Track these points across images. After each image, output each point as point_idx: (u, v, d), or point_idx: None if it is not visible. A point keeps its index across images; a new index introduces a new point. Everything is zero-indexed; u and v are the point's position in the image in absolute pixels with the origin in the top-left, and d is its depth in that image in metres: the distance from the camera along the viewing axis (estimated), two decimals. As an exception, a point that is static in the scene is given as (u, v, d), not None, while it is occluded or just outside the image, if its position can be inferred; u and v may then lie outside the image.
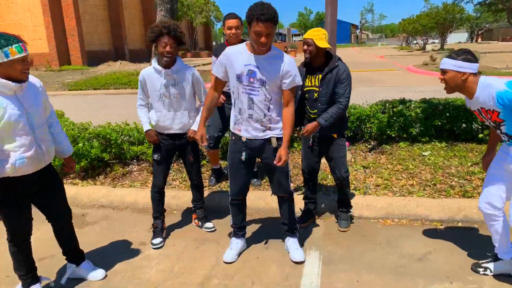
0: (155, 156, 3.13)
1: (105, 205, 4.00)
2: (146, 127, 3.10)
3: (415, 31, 39.43)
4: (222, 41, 3.76)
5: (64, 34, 24.15)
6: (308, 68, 3.09)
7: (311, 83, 3.06)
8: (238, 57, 2.55)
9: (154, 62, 2.94)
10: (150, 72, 2.95)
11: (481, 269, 2.61)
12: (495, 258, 2.61)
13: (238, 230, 2.99)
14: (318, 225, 3.40)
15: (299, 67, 3.08)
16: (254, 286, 2.58)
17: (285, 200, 2.89)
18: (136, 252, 3.08)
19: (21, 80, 2.13)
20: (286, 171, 2.78)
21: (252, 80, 2.53)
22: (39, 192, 2.41)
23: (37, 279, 2.52)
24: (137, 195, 4.05)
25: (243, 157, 2.72)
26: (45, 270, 2.83)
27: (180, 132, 3.07)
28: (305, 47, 2.98)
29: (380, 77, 15.33)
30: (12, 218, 2.32)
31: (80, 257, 2.74)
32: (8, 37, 2.03)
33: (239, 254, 2.94)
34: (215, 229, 3.35)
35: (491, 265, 2.60)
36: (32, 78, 2.31)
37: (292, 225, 2.97)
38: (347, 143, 4.98)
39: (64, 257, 2.73)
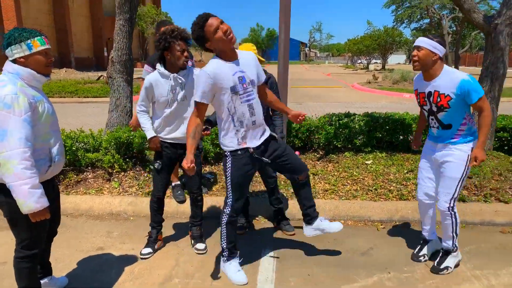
0: (156, 165, 3.03)
1: (58, 213, 3.93)
2: (150, 134, 2.99)
3: (359, 51, 41.92)
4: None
5: (3, 37, 22.77)
6: None
7: None
8: (222, 70, 2.44)
9: (159, 67, 2.87)
10: (157, 77, 2.87)
11: (421, 258, 3.02)
12: (424, 242, 3.07)
13: (234, 248, 2.80)
14: (270, 227, 3.63)
15: None
16: (214, 282, 2.73)
17: (308, 179, 2.88)
18: (94, 257, 3.10)
19: (45, 74, 2.09)
20: (292, 150, 2.82)
21: (245, 86, 2.50)
22: (52, 200, 2.28)
23: None
24: (92, 202, 4.03)
25: (255, 168, 2.67)
26: (1, 276, 2.78)
27: (182, 141, 2.98)
28: None
29: (327, 93, 16.17)
30: (45, 226, 2.19)
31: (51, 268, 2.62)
32: (30, 30, 2.01)
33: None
34: (206, 252, 3.17)
35: (424, 250, 3.04)
36: None
37: (314, 203, 2.98)
38: (297, 153, 5.31)
39: (41, 272, 2.55)
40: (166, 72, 2.85)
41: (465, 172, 2.70)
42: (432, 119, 2.77)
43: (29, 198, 1.93)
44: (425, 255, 3.04)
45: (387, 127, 5.43)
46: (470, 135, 2.70)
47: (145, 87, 2.91)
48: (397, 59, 72.16)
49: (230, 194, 2.67)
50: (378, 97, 14.93)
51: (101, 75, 20.12)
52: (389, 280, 2.77)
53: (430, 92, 2.70)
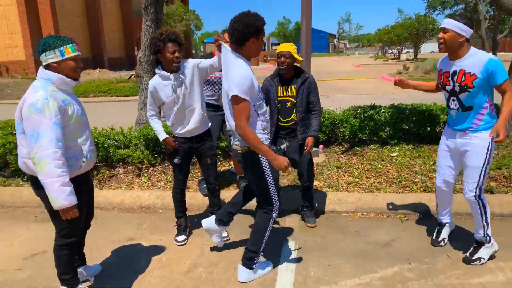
0: (176, 160, 3.17)
1: (92, 206, 4.18)
2: (162, 136, 3.15)
3: (390, 41, 40.81)
4: (201, 50, 3.90)
5: (41, 41, 23.90)
6: (279, 79, 3.40)
7: (285, 93, 3.36)
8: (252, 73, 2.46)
9: (159, 70, 3.00)
10: (158, 81, 3.01)
11: (441, 242, 3.11)
12: (440, 227, 3.14)
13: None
14: (293, 219, 3.70)
15: (269, 79, 3.40)
16: (236, 272, 2.85)
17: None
18: (125, 247, 3.30)
19: (74, 78, 2.26)
20: None
21: (260, 95, 2.58)
22: (87, 193, 2.50)
23: (79, 280, 2.56)
24: (123, 196, 4.26)
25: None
26: (40, 264, 3.02)
27: (196, 132, 3.14)
28: (283, 59, 3.24)
29: (355, 85, 15.92)
30: (81, 218, 2.37)
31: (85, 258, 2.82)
32: (63, 38, 2.19)
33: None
34: (229, 239, 3.35)
35: (443, 234, 3.13)
36: None
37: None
38: (321, 146, 5.33)
39: (79, 262, 2.75)
40: (165, 73, 2.98)
41: (487, 160, 2.67)
42: (454, 100, 2.73)
43: (59, 195, 2.10)
44: (444, 239, 3.11)
45: (414, 118, 5.34)
46: (490, 122, 2.65)
47: (150, 92, 3.07)
48: (430, 48, 69.50)
49: (274, 194, 2.64)
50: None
51: (132, 74, 20.75)
52: (409, 271, 2.78)
53: (455, 71, 2.67)
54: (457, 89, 2.68)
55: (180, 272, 2.88)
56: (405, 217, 3.66)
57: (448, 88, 2.74)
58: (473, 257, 2.83)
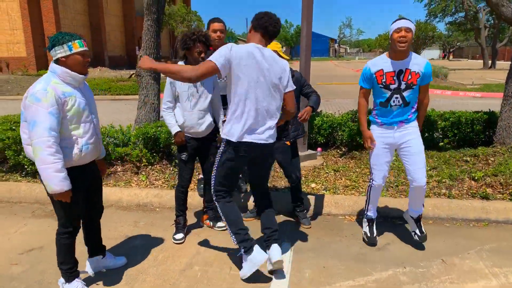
0: (183, 156, 3.23)
1: (90, 203, 4.19)
2: (175, 129, 3.19)
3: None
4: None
5: (42, 38, 23.89)
6: None
7: None
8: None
9: (181, 63, 3.11)
10: None
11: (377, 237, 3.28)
12: (372, 223, 3.32)
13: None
14: (289, 220, 3.72)
15: None
16: (231, 271, 2.86)
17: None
18: (121, 244, 3.31)
19: (82, 73, 2.35)
20: None
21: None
22: (90, 185, 2.59)
23: (78, 273, 2.60)
24: (121, 194, 4.27)
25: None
26: (36, 260, 3.03)
27: (204, 133, 3.21)
28: None
29: (355, 89, 15.95)
30: (76, 209, 2.44)
31: (104, 249, 2.88)
32: (72, 34, 2.29)
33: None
34: (226, 228, 3.34)
35: (375, 229, 3.32)
36: None
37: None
38: (319, 149, 5.36)
39: (88, 254, 2.83)
40: None
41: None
42: (396, 98, 2.93)
43: (51, 181, 2.19)
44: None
45: (412, 124, 5.37)
46: (415, 113, 3.05)
47: (169, 81, 3.13)
48: (430, 55, 69.84)
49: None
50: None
51: (133, 73, 20.77)
52: (404, 275, 2.80)
53: (401, 70, 2.88)
54: (403, 86, 2.89)
55: (175, 270, 2.89)
56: (399, 221, 3.68)
57: (393, 86, 2.93)
58: (424, 230, 3.16)
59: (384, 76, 2.93)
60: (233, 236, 2.74)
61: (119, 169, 4.75)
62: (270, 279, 2.75)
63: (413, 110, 3.01)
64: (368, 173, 4.61)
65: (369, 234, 3.25)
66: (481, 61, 35.56)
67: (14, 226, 3.66)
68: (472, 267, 2.87)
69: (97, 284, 2.72)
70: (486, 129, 5.34)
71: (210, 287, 2.67)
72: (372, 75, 2.99)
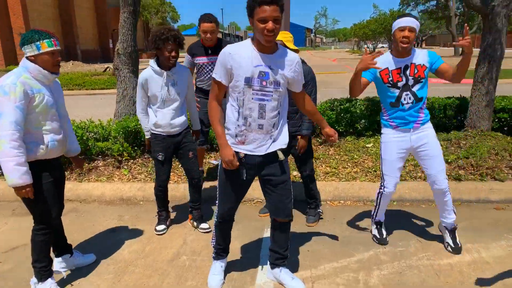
0: (159, 157, 3.22)
1: (72, 199, 4.16)
2: (148, 135, 3.26)
3: (365, 35, 41.48)
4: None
5: (10, 32, 23.01)
6: None
7: None
8: (245, 56, 2.17)
9: (153, 63, 3.07)
10: (151, 73, 3.07)
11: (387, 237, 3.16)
12: (381, 225, 3.21)
13: (223, 251, 2.72)
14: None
15: None
16: (219, 259, 2.92)
17: (284, 226, 2.54)
18: (107, 239, 3.31)
19: (53, 72, 2.38)
20: (289, 189, 2.44)
21: (264, 83, 2.20)
22: (56, 180, 2.56)
23: (52, 272, 2.57)
24: (104, 188, 4.24)
25: (244, 176, 2.36)
26: (21, 258, 3.00)
27: (178, 130, 3.21)
28: None
29: (332, 79, 16.19)
30: (47, 202, 2.43)
31: (71, 248, 2.85)
32: (41, 32, 2.30)
33: (224, 277, 2.69)
34: (211, 230, 3.36)
35: (384, 230, 3.20)
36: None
37: (285, 254, 2.62)
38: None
39: (54, 253, 2.78)
40: (158, 69, 3.05)
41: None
42: (407, 95, 2.79)
43: (13, 174, 2.20)
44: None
45: (388, 111, 5.53)
46: (428, 115, 2.90)
47: (140, 84, 3.11)
48: (404, 43, 71.05)
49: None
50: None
51: (107, 67, 20.33)
52: (384, 254, 2.94)
53: (406, 66, 2.78)
54: (411, 82, 2.79)
55: (163, 260, 2.93)
56: (380, 204, 3.83)
57: (401, 84, 2.80)
58: (459, 242, 2.96)
59: (390, 74, 2.81)
60: (213, 240, 2.72)
61: (100, 164, 4.71)
62: (256, 266, 2.83)
63: (423, 108, 2.84)
64: (347, 159, 4.75)
65: (378, 236, 3.15)
66: (452, 49, 36.50)
67: (-5, 225, 3.60)
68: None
69: (85, 278, 2.74)
70: (457, 114, 5.56)
71: (199, 275, 2.73)
72: (376, 72, 2.85)
